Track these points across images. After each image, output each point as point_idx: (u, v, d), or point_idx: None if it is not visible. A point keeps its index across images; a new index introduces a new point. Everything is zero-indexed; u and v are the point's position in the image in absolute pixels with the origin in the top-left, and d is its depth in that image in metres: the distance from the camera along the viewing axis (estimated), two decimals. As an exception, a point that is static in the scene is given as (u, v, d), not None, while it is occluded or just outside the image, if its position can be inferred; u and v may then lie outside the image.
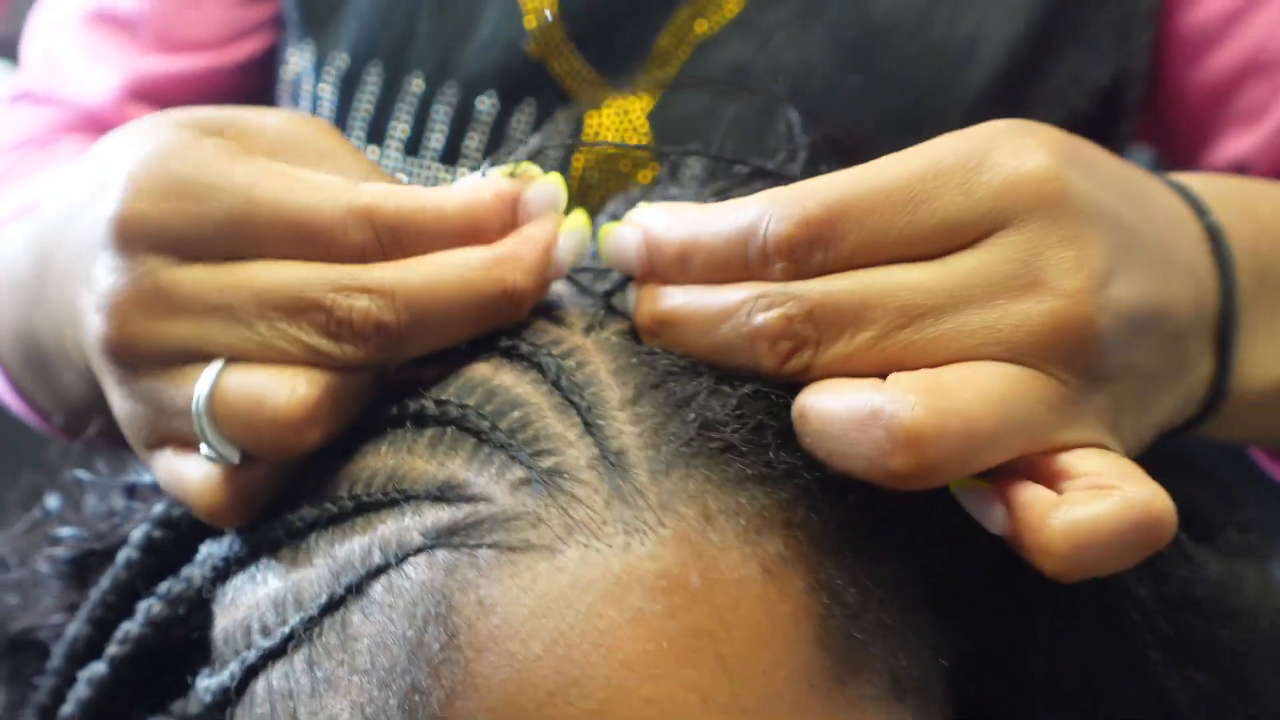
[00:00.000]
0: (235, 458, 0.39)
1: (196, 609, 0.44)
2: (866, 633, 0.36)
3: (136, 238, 0.40)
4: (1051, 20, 0.63)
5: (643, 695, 0.33)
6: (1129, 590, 0.40)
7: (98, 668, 0.46)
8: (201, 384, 0.39)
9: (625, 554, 0.34)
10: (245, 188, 0.39)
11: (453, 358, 0.40)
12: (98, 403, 0.49)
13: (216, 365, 0.39)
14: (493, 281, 0.39)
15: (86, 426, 0.58)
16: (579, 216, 0.41)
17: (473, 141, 0.62)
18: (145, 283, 0.40)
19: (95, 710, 0.46)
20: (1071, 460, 0.36)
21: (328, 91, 0.63)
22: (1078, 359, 0.36)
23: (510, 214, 0.40)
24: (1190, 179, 0.45)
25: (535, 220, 0.40)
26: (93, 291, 0.41)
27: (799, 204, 0.36)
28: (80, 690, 0.46)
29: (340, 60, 0.63)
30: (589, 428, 0.37)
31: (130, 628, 0.45)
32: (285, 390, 0.38)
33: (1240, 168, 0.65)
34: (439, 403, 0.38)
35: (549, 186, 0.40)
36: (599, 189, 0.61)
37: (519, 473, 0.36)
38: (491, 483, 0.36)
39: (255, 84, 0.71)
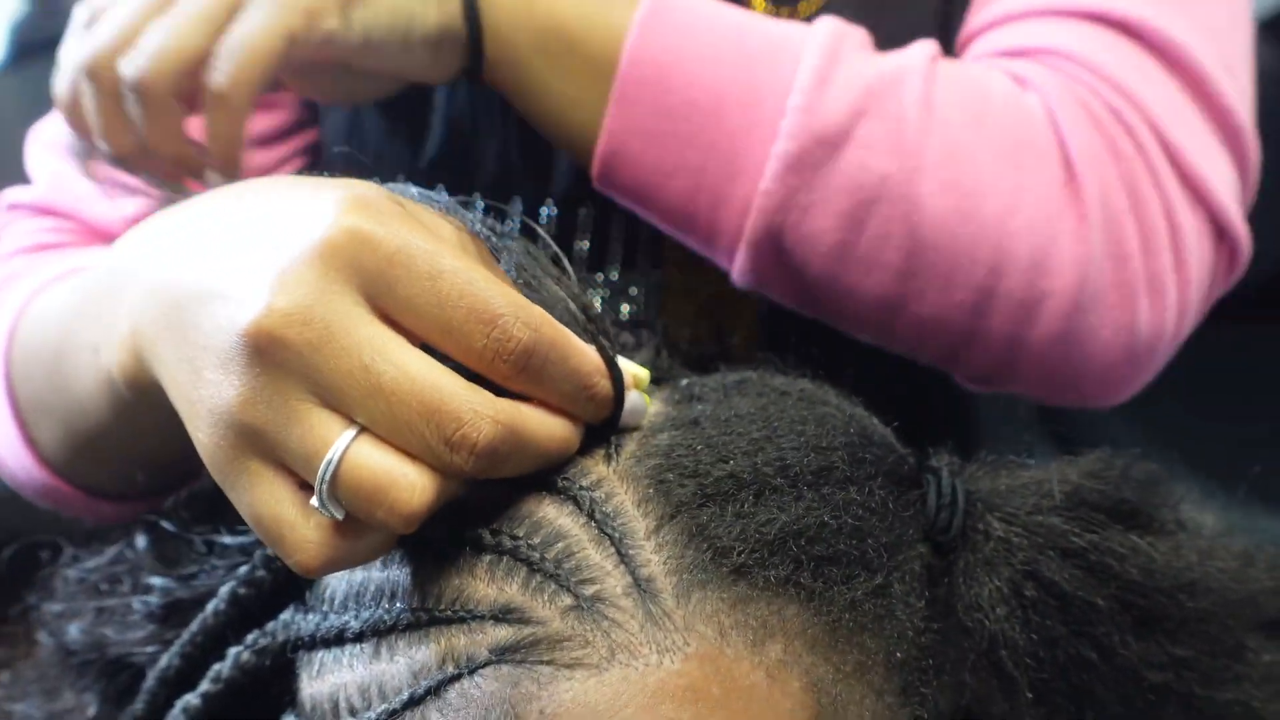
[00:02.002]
0: (340, 516, 0.43)
1: (279, 660, 0.52)
2: (852, 718, 0.45)
3: (343, 253, 0.43)
4: None
5: None
6: (1093, 605, 0.50)
7: (192, 700, 0.55)
8: (337, 447, 0.42)
9: (658, 671, 0.43)
10: (433, 253, 0.43)
11: (496, 484, 0.47)
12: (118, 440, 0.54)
13: (351, 432, 0.43)
14: (569, 445, 0.47)
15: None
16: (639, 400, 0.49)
17: (582, 246, 0.71)
18: (335, 299, 0.42)
19: None
20: None
21: None
22: None
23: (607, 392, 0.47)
24: None
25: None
26: (271, 277, 0.42)
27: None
28: (175, 716, 0.55)
29: None
30: (622, 558, 0.44)
31: (222, 669, 0.54)
32: (406, 486, 0.42)
33: None
34: (494, 532, 0.46)
35: (640, 404, 0.49)
36: None
37: (567, 600, 0.44)
38: (544, 608, 0.44)
39: None
